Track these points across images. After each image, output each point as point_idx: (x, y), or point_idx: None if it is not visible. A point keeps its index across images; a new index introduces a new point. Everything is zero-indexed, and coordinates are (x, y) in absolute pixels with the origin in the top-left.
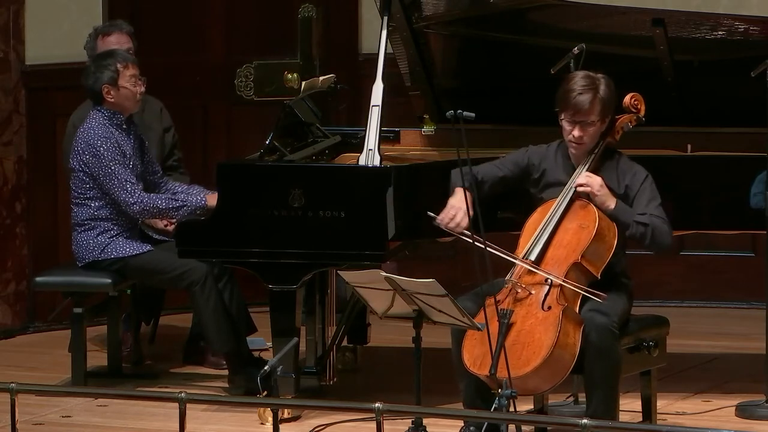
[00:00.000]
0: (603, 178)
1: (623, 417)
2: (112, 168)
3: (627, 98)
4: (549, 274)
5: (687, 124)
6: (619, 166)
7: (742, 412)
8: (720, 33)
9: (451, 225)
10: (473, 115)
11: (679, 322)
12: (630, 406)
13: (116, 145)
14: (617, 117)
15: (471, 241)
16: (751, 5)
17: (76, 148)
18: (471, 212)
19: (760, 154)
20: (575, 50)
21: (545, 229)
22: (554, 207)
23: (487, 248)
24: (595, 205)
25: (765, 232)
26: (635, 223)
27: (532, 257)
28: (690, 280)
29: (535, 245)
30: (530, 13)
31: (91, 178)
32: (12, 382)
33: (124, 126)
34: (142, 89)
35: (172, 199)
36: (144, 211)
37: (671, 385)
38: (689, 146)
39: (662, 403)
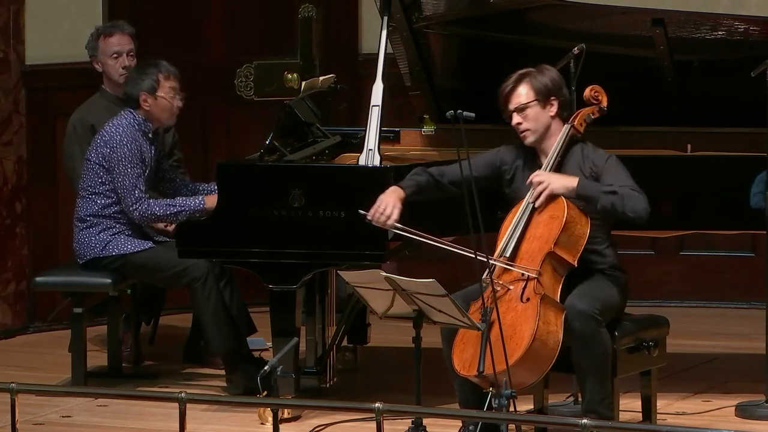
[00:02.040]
0: (564, 171)
1: (623, 417)
2: (129, 170)
3: (587, 91)
4: (519, 266)
5: (687, 124)
6: (583, 153)
7: (742, 412)
8: (720, 33)
9: (382, 219)
10: (473, 115)
11: (679, 322)
12: (630, 406)
13: (139, 150)
14: (579, 110)
15: (405, 234)
16: (751, 5)
17: (99, 140)
18: (400, 205)
19: (760, 154)
20: (575, 50)
21: (518, 225)
22: (524, 203)
23: (478, 254)
24: (563, 195)
25: (765, 232)
26: (603, 194)
27: (507, 254)
28: (690, 280)
29: (509, 242)
30: (530, 13)
31: (105, 172)
32: (12, 382)
33: (150, 135)
34: (180, 104)
35: (170, 205)
36: (143, 217)
37: (671, 385)
38: (689, 146)
39: (662, 403)
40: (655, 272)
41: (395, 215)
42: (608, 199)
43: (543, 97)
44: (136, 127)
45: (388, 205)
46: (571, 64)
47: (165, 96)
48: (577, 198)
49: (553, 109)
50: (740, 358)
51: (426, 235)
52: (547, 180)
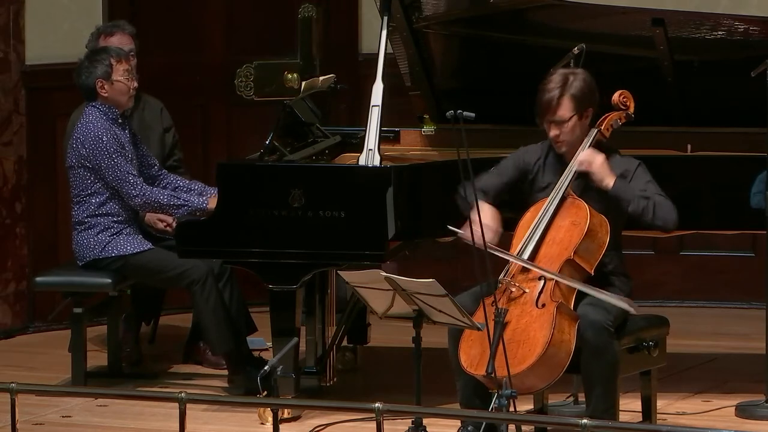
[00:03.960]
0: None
1: (623, 417)
2: (115, 160)
3: (616, 95)
4: (545, 270)
5: (687, 124)
6: (610, 161)
7: (742, 412)
8: (720, 33)
9: (480, 241)
10: (473, 115)
11: (679, 322)
12: (630, 406)
13: (116, 137)
14: (606, 115)
15: (499, 254)
16: (751, 5)
17: (74, 144)
18: (494, 228)
19: (760, 154)
20: (575, 50)
21: (537, 227)
22: (546, 205)
23: (489, 249)
24: (594, 183)
25: (765, 232)
26: (637, 198)
27: (525, 255)
28: (690, 280)
29: (528, 243)
30: (530, 13)
31: (91, 172)
32: (12, 382)
33: (119, 120)
34: (135, 84)
35: (174, 196)
36: (146, 204)
37: (671, 385)
38: (689, 146)
39: (662, 403)
40: (655, 272)
41: (493, 239)
42: (641, 204)
43: (582, 109)
44: (104, 117)
45: (485, 227)
46: (571, 64)
47: (120, 79)
48: (610, 196)
49: (588, 119)
50: (740, 358)
51: (521, 259)
52: (597, 163)
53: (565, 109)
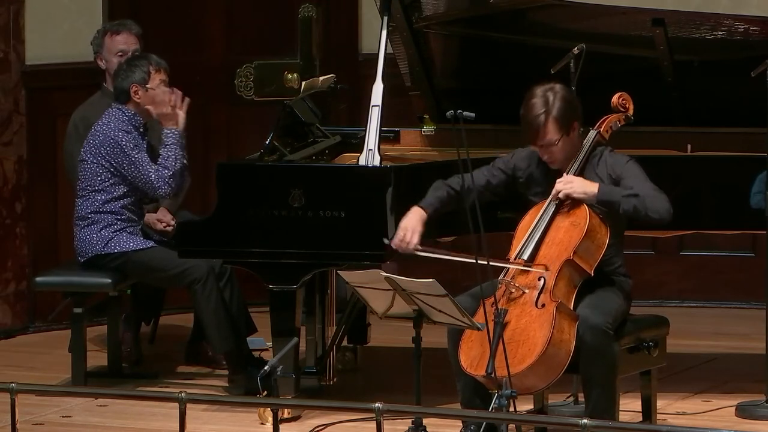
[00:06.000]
0: (584, 176)
1: (623, 417)
2: (135, 156)
3: (615, 98)
4: (538, 268)
5: (687, 124)
6: (602, 157)
7: (742, 412)
8: (720, 33)
9: (404, 246)
10: (473, 115)
11: (679, 322)
12: (630, 406)
13: (134, 140)
14: (606, 117)
15: (428, 255)
16: (751, 5)
17: (92, 140)
18: (421, 228)
19: (760, 154)
20: (575, 50)
21: (537, 228)
22: (545, 206)
23: (479, 257)
24: (582, 200)
25: (765, 232)
26: (624, 198)
27: (525, 257)
28: (690, 280)
29: (527, 244)
30: (530, 13)
31: (105, 170)
32: (12, 382)
33: (141, 129)
34: None
35: (166, 158)
36: (167, 184)
37: (671, 385)
38: (689, 146)
39: (662, 403)
40: (655, 272)
41: (416, 240)
42: (630, 203)
43: (567, 127)
44: (127, 122)
45: (407, 232)
46: (571, 64)
47: (155, 88)
48: (598, 203)
49: (576, 132)
50: (740, 358)
51: (453, 253)
52: (572, 186)
53: (552, 133)
